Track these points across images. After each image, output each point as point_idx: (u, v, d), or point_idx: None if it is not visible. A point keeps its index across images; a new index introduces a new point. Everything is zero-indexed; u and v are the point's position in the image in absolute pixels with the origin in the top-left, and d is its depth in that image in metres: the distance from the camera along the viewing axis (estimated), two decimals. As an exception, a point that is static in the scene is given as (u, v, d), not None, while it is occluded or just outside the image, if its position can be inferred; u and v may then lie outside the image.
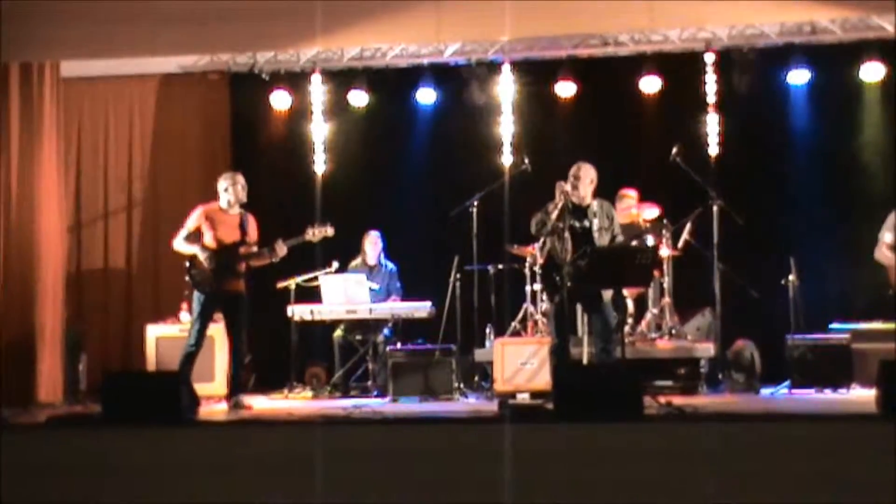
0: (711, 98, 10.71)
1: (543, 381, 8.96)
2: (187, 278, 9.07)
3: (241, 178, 9.16)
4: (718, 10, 9.53)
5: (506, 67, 11.05)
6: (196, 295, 9.02)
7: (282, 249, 9.10)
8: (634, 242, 9.46)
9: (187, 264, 9.04)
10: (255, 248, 9.16)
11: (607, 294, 8.52)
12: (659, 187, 10.28)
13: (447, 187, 10.83)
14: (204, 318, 8.98)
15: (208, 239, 9.03)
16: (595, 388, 7.27)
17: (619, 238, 8.66)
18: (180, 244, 9.14)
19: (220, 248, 9.02)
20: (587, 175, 8.53)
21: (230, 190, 9.09)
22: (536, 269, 9.43)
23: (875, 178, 10.42)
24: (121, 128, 11.58)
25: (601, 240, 8.45)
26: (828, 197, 10.56)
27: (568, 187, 8.42)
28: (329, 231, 9.42)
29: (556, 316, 8.50)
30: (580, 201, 8.50)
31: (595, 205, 8.55)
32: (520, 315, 9.98)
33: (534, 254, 9.43)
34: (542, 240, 8.63)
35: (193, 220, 9.13)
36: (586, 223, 8.45)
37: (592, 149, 10.65)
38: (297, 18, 9.66)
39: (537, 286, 9.71)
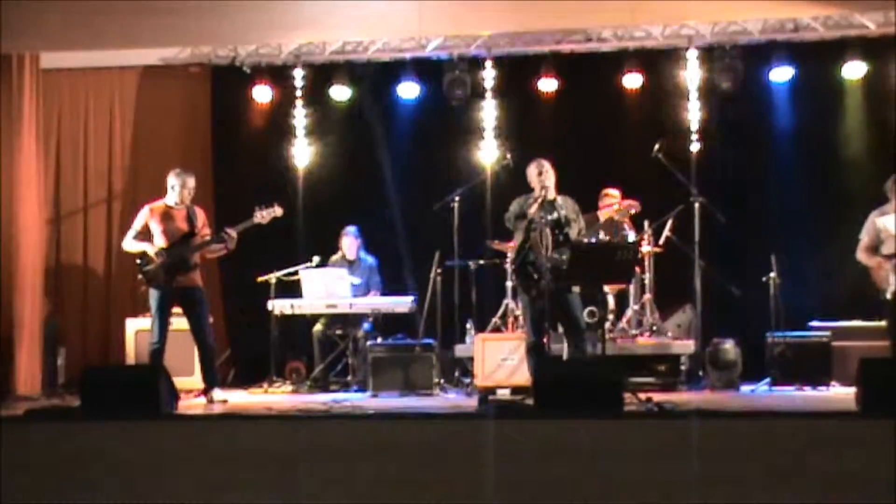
0: (694, 95, 10.74)
1: (523, 376, 8.94)
2: (140, 276, 9.03)
3: (190, 182, 9.08)
4: (701, 7, 9.57)
5: (488, 62, 11.05)
6: (151, 291, 8.97)
7: (233, 235, 9.05)
8: (603, 235, 9.46)
9: (138, 261, 9.00)
10: (207, 238, 9.12)
11: (575, 291, 8.50)
12: (641, 183, 10.27)
13: (429, 182, 10.80)
14: (163, 314, 8.94)
15: (158, 235, 8.98)
16: (575, 384, 7.25)
17: (584, 230, 8.67)
18: (130, 244, 9.10)
19: (171, 242, 8.97)
20: (551, 169, 8.53)
21: (177, 189, 9.04)
22: (508, 264, 9.44)
23: (857, 177, 10.44)
24: (101, 120, 11.52)
25: (571, 231, 8.42)
26: (809, 194, 10.57)
27: (548, 182, 8.42)
28: (277, 211, 9.37)
29: (532, 311, 8.45)
30: (547, 194, 8.49)
31: (559, 198, 8.54)
32: (500, 311, 9.96)
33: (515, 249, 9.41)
34: (516, 234, 8.60)
35: (140, 219, 9.10)
36: (555, 215, 8.43)
37: (575, 145, 10.69)
38: (280, 11, 9.63)
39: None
